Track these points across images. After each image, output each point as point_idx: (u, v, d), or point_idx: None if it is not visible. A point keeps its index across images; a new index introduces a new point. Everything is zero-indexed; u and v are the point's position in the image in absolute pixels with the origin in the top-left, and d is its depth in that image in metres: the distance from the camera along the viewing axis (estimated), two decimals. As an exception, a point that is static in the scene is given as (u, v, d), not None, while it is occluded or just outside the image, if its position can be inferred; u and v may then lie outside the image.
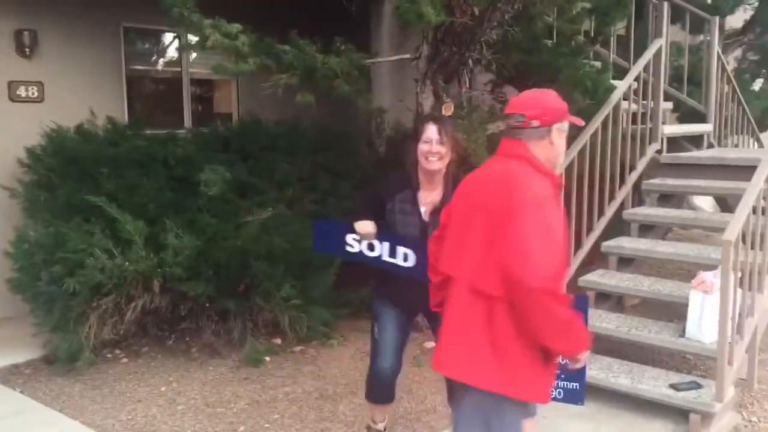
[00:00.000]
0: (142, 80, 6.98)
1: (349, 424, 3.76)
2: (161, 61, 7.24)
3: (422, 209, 3.17)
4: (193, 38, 4.76)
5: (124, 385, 4.39)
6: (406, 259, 3.16)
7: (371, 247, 3.23)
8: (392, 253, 3.18)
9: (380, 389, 3.45)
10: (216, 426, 3.84)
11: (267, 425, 3.85)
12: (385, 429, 3.60)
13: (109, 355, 4.82)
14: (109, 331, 4.56)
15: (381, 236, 3.22)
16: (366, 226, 3.19)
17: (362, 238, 3.22)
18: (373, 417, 3.58)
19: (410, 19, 4.09)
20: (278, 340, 4.98)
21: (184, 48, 6.65)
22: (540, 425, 3.76)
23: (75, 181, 4.83)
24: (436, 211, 3.09)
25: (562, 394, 3.82)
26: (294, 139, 5.77)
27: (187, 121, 6.85)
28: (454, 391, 2.55)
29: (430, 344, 4.64)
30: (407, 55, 5.31)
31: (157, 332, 4.99)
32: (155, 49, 7.21)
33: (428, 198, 3.18)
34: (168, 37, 7.13)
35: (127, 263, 4.40)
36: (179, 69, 6.92)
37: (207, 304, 4.74)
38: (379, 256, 3.22)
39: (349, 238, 3.27)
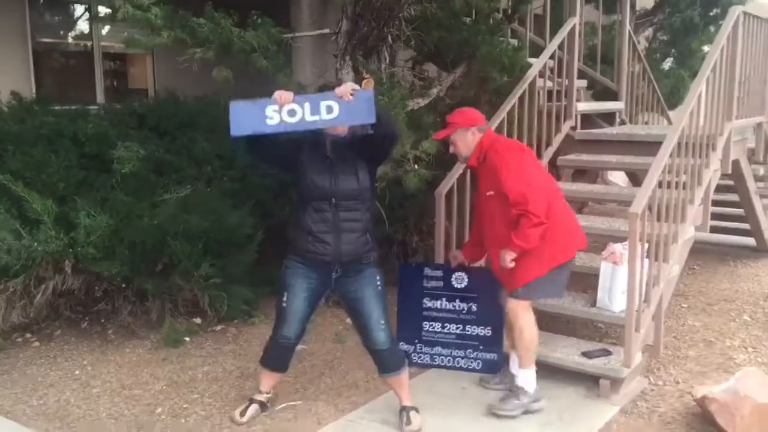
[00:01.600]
0: (50, 53, 6.67)
1: (270, 401, 3.74)
2: (71, 33, 6.94)
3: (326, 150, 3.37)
4: (103, 10, 4.58)
5: (35, 370, 4.24)
6: (330, 110, 3.18)
7: (292, 113, 3.19)
8: (315, 110, 3.19)
9: (278, 356, 3.54)
10: (133, 408, 3.76)
11: (186, 405, 3.80)
12: (267, 402, 3.65)
13: (20, 339, 4.65)
14: (18, 315, 4.38)
15: (299, 98, 3.21)
16: (285, 94, 3.20)
17: (282, 104, 3.17)
18: (261, 386, 3.64)
19: (328, -7, 4.04)
20: (198, 320, 4.90)
21: (94, 20, 6.38)
22: (460, 395, 3.87)
23: (-23, 159, 4.60)
24: (332, 145, 3.38)
25: (480, 365, 4.03)
26: (213, 116, 5.64)
27: (100, 96, 6.60)
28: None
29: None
30: (327, 30, 5.26)
31: (71, 314, 4.82)
32: (64, 20, 6.89)
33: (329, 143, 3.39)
34: (78, 8, 6.83)
35: (35, 244, 4.22)
36: (90, 42, 6.64)
37: (123, 285, 4.61)
38: (302, 119, 3.19)
39: (269, 110, 3.19)
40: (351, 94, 3.16)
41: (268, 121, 3.20)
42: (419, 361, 4.25)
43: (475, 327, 4.22)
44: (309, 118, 3.19)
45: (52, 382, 4.08)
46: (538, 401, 3.72)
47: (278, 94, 3.19)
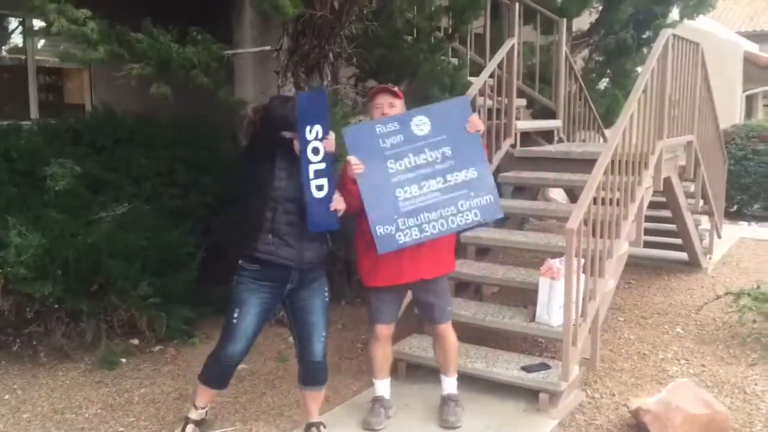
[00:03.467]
0: (-19, 67, 6.48)
1: (209, 423, 3.67)
2: (4, 47, 6.74)
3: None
4: (38, 23, 4.48)
5: (-39, 396, 4.07)
6: (317, 152, 3.20)
7: (316, 151, 3.19)
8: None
9: (220, 373, 3.46)
10: (65, 433, 3.65)
11: (121, 429, 3.70)
12: (203, 420, 3.58)
13: (-55, 364, 4.46)
14: (-57, 338, 4.21)
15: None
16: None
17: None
18: (196, 402, 3.55)
19: (267, 11, 4.06)
20: (136, 341, 4.79)
21: (28, 34, 6.22)
22: (401, 412, 3.87)
23: None
24: None
25: (479, 213, 3.54)
26: (152, 132, 5.56)
27: (34, 111, 6.42)
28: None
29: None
30: (268, 47, 5.25)
31: (0, 337, 4.64)
32: (-3, 33, 6.70)
33: None
34: (12, 21, 6.65)
35: (-38, 264, 4.08)
36: (24, 56, 6.46)
37: (56, 306, 4.47)
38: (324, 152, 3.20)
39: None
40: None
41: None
42: (408, 239, 3.46)
43: (456, 173, 3.50)
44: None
45: (-20, 407, 3.93)
46: None
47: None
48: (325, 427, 3.57)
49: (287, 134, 3.24)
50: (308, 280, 3.41)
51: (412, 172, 3.48)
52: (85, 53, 4.35)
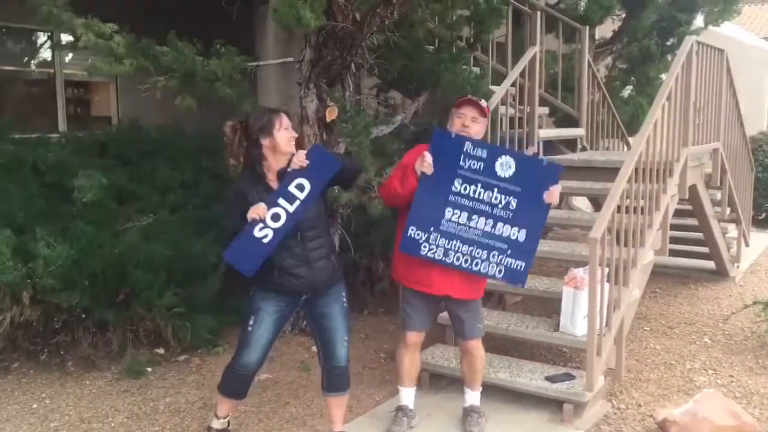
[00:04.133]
0: (11, 81, 6.62)
1: (230, 427, 3.69)
2: (33, 61, 6.89)
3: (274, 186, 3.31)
4: (66, 38, 4.56)
5: (-9, 405, 4.14)
6: (301, 188, 3.21)
7: (276, 217, 3.18)
8: (290, 198, 3.19)
9: (237, 382, 3.46)
10: (92, 442, 3.69)
11: (147, 438, 3.74)
12: (226, 429, 3.60)
13: (-25, 373, 4.54)
14: (-26, 347, 4.29)
15: (271, 201, 3.19)
16: (255, 209, 3.17)
17: (262, 218, 3.16)
18: (217, 411, 3.57)
19: (289, 23, 4.07)
20: (161, 350, 4.83)
21: (56, 48, 6.34)
22: (423, 421, 3.86)
23: (-66, 189, 4.53)
24: (279, 177, 3.31)
25: (503, 272, 3.52)
26: (176, 144, 5.65)
27: (62, 124, 6.55)
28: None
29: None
30: (291, 59, 5.29)
31: (29, 346, 4.70)
32: (26, 48, 6.85)
33: (274, 178, 3.33)
34: (41, 36, 6.79)
35: (-8, 275, 4.15)
36: (52, 70, 6.59)
37: (83, 316, 4.53)
38: (288, 214, 3.18)
39: (257, 232, 3.16)
40: (304, 159, 3.23)
41: (265, 240, 3.17)
42: (429, 255, 3.49)
43: (508, 227, 3.48)
44: (291, 209, 3.19)
45: (9, 416, 3.98)
46: None
47: (254, 213, 3.16)
48: None
49: (265, 142, 3.26)
50: (324, 288, 3.42)
51: (471, 202, 3.49)
52: (111, 67, 4.41)
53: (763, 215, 10.50)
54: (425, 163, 3.42)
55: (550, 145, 6.40)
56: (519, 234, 3.48)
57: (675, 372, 4.69)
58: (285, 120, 3.32)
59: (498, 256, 3.48)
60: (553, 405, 3.98)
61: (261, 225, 3.16)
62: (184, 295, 4.70)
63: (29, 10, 4.33)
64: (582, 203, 8.78)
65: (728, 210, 6.70)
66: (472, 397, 3.82)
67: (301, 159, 3.23)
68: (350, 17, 4.67)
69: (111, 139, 5.62)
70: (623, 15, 8.59)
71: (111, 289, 4.51)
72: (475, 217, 3.47)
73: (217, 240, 5.14)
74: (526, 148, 5.79)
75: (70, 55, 6.73)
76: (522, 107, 5.79)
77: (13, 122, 5.63)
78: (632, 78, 8.76)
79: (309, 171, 3.22)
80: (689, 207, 6.19)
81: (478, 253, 3.48)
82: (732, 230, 7.32)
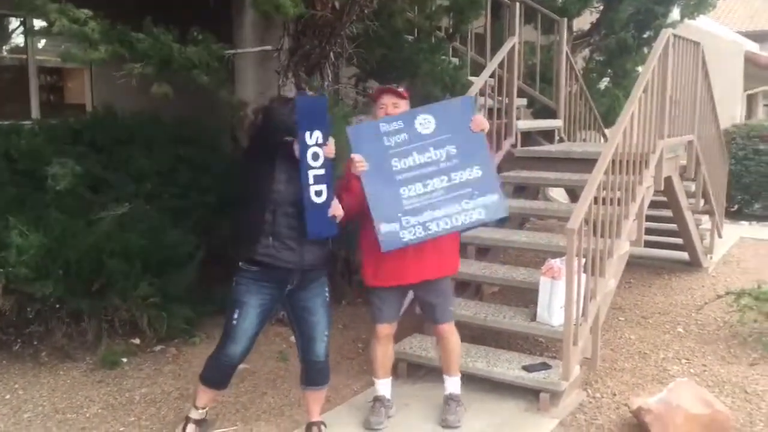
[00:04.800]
0: (-18, 67, 6.48)
1: (210, 423, 3.67)
2: (5, 46, 6.75)
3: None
4: (39, 23, 4.48)
5: (-38, 396, 4.07)
6: (316, 157, 3.19)
7: (316, 156, 3.18)
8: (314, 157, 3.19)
9: (220, 373, 3.45)
10: (66, 433, 3.65)
11: (122, 429, 3.70)
12: (204, 419, 3.58)
13: (-54, 364, 4.47)
14: (-56, 338, 4.21)
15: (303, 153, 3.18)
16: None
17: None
18: (197, 402, 3.54)
19: (268, 11, 4.05)
20: (137, 340, 4.78)
21: (29, 33, 6.22)
22: (401, 411, 3.87)
23: None
24: None
25: (484, 212, 3.52)
26: (152, 132, 5.56)
27: (35, 111, 6.43)
28: None
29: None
30: (269, 47, 5.25)
31: (2, 336, 4.63)
32: (-3, 33, 6.71)
33: None
34: (13, 21, 6.65)
35: (-37, 264, 4.08)
36: (25, 56, 6.47)
37: (57, 306, 4.47)
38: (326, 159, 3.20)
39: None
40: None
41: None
42: (412, 237, 3.46)
43: (461, 171, 3.50)
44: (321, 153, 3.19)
45: (-19, 407, 3.93)
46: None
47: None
48: (326, 426, 3.58)
49: (288, 139, 3.24)
50: (308, 281, 3.40)
51: (417, 171, 3.48)
52: (86, 53, 4.34)
53: (736, 207, 10.67)
54: (357, 163, 3.41)
55: (528, 136, 6.43)
56: (474, 172, 3.49)
57: (649, 361, 4.75)
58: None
59: (469, 201, 3.48)
60: (530, 394, 4.01)
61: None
62: (159, 285, 4.66)
63: (1, -6, 4.25)
64: (558, 194, 8.85)
65: (702, 201, 6.79)
66: (451, 384, 3.83)
67: (331, 150, 3.22)
68: (329, 5, 4.65)
69: (85, 126, 5.51)
70: (601, 7, 8.65)
71: (85, 278, 4.45)
72: (428, 181, 3.48)
73: (193, 230, 5.11)
74: (504, 139, 5.80)
75: (44, 41, 6.60)
76: (500, 98, 5.80)
77: (-16, 109, 5.53)
78: (609, 70, 8.83)
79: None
80: (664, 198, 6.26)
81: (451, 209, 3.47)
82: (705, 222, 7.43)
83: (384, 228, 3.42)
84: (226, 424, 3.76)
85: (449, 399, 3.81)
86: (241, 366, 3.64)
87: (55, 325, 4.53)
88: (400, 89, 3.68)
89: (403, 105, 3.63)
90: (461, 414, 3.76)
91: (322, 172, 3.19)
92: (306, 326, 3.45)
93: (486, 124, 3.60)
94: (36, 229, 4.36)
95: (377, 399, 3.81)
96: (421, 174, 3.48)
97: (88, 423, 3.76)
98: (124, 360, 4.57)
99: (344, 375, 4.43)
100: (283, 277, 3.34)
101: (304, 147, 3.17)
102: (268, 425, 3.75)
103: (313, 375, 3.49)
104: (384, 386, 3.83)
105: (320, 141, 3.17)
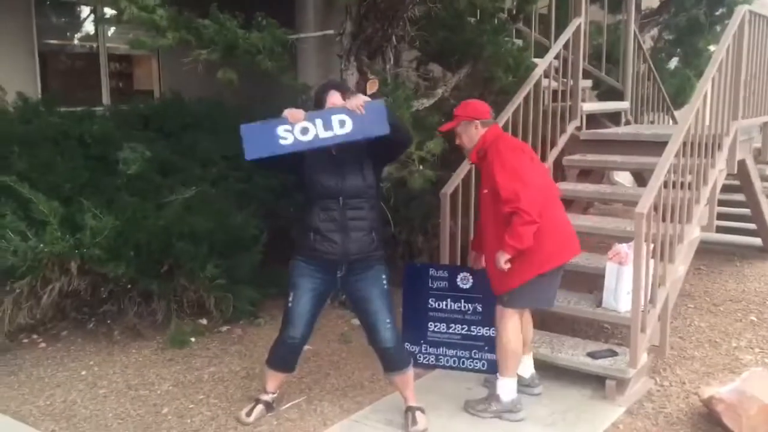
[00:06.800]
0: (56, 55, 6.71)
1: (276, 401, 3.74)
2: (77, 35, 6.97)
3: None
4: (109, 11, 4.59)
5: (42, 371, 4.25)
6: (342, 125, 3.20)
7: (305, 131, 3.20)
8: (328, 125, 3.20)
9: (284, 357, 3.53)
10: (139, 409, 3.77)
11: (192, 406, 3.80)
12: (273, 402, 3.66)
13: (26, 340, 4.66)
14: (24, 316, 4.39)
15: (311, 115, 3.22)
16: (295, 111, 3.22)
17: (293, 122, 3.18)
18: (266, 386, 3.64)
19: (332, -5, 4.04)
20: (204, 321, 4.91)
21: (99, 22, 6.40)
22: (465, 395, 3.86)
23: (-17, 161, 4.63)
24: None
25: (485, 365, 4.11)
26: (217, 117, 5.67)
27: (106, 97, 6.63)
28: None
29: (357, 321, 4.67)
30: (331, 31, 5.26)
31: (77, 315, 4.84)
32: (70, 22, 6.93)
33: None
34: (84, 10, 6.86)
35: (41, 245, 4.24)
36: (96, 44, 6.67)
37: (129, 286, 4.62)
38: (315, 136, 3.20)
39: (281, 130, 3.20)
40: (362, 107, 3.19)
41: (282, 142, 3.20)
42: (424, 362, 4.24)
43: (480, 327, 4.21)
44: (322, 134, 3.21)
45: (59, 382, 4.10)
46: (515, 413, 3.61)
47: (288, 113, 3.20)
48: (423, 412, 3.54)
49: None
50: (359, 270, 3.42)
51: (446, 314, 4.27)
52: (154, 40, 4.44)
53: (813, 191, 10.21)
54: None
55: (593, 119, 6.27)
56: (491, 331, 4.03)
57: (720, 350, 4.61)
58: (332, 97, 3.35)
59: (478, 352, 4.21)
60: (595, 381, 3.95)
61: (288, 127, 3.19)
62: (225, 267, 4.75)
63: (73, -16, 4.37)
64: (624, 178, 8.63)
65: (777, 185, 6.53)
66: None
67: (355, 104, 3.20)
68: (392, -12, 4.61)
69: (154, 111, 5.66)
70: (671, -16, 8.35)
71: (155, 260, 4.58)
72: (452, 326, 4.28)
73: (256, 213, 5.19)
74: (569, 122, 5.68)
75: (113, 29, 6.79)
76: (565, 80, 5.67)
77: (59, 96, 5.72)
78: (679, 50, 8.55)
79: (359, 117, 3.20)
80: (737, 182, 6.04)
81: (462, 354, 4.26)
82: (780, 206, 7.13)
83: (408, 346, 4.06)
84: (292, 402, 3.82)
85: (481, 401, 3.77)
86: (305, 347, 3.69)
87: (127, 305, 4.69)
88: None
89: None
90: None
91: (311, 131, 3.20)
92: (366, 315, 3.48)
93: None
94: (108, 211, 4.50)
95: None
96: (449, 318, 4.26)
97: (160, 399, 3.88)
98: (192, 340, 4.69)
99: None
100: (330, 266, 3.39)
101: (333, 112, 3.23)
102: (331, 405, 3.80)
103: (386, 361, 3.51)
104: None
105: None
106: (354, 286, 3.46)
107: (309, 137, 3.20)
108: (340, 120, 3.20)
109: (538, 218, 3.37)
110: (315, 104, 3.41)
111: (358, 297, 3.47)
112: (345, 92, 3.43)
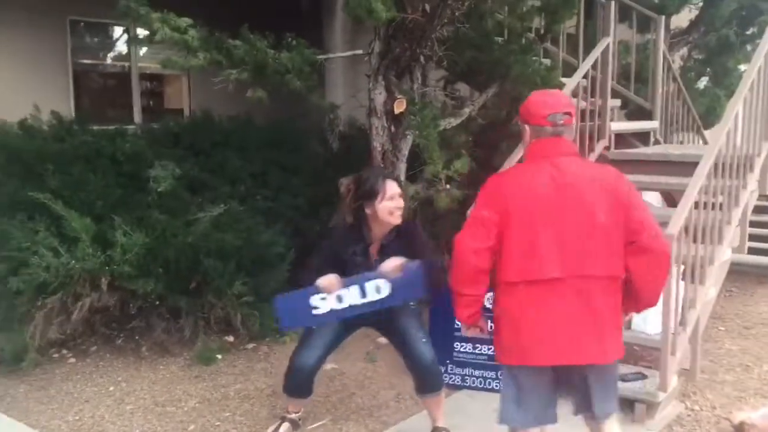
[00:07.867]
0: (89, 74, 6.86)
1: (302, 420, 3.74)
2: (110, 55, 7.11)
3: (373, 257, 3.30)
4: (141, 32, 4.68)
5: (71, 386, 4.30)
6: (378, 290, 3.13)
7: (340, 299, 3.14)
8: (363, 293, 3.14)
9: (295, 383, 3.44)
10: (165, 425, 3.79)
11: (218, 423, 3.82)
12: (299, 420, 3.65)
13: (56, 355, 4.72)
14: (55, 331, 4.46)
15: (347, 282, 3.15)
16: (329, 280, 3.14)
17: (328, 293, 3.13)
18: (289, 407, 3.62)
19: (360, 15, 4.08)
20: (231, 338, 4.94)
21: (132, 42, 6.53)
22: (491, 416, 3.81)
23: (19, 178, 4.72)
24: (381, 249, 3.30)
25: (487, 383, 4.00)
26: (246, 135, 5.74)
27: (137, 116, 6.75)
28: (567, 376, 2.68)
29: (383, 339, 4.66)
30: (359, 51, 5.31)
31: (106, 331, 4.89)
32: (103, 42, 7.08)
33: (377, 246, 3.33)
34: (116, 30, 7.00)
35: (73, 261, 4.30)
36: (128, 63, 6.80)
37: (157, 302, 4.67)
38: (351, 304, 3.14)
39: (315, 300, 3.13)
40: (400, 269, 3.12)
41: (316, 312, 3.15)
42: (450, 382, 4.22)
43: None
44: (358, 301, 3.14)
45: (88, 398, 4.14)
46: None
47: (323, 282, 3.12)
48: None
49: (368, 209, 3.25)
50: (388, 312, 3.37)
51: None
52: (186, 60, 4.51)
53: None
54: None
55: (621, 139, 6.23)
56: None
57: (752, 374, 4.52)
58: (390, 188, 3.25)
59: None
60: (624, 404, 3.87)
61: (322, 296, 3.13)
62: (252, 285, 4.78)
63: (107, 5, 4.46)
64: (653, 199, 8.53)
65: (811, 207, 6.41)
66: None
67: (390, 268, 3.12)
68: (420, 9, 4.64)
69: (184, 130, 5.74)
70: (700, 3, 8.30)
71: (184, 277, 4.63)
72: (477, 345, 4.26)
73: (283, 231, 5.23)
74: (597, 141, 5.65)
75: (144, 48, 6.92)
76: (593, 99, 5.65)
77: (92, 114, 5.83)
78: (708, 69, 8.47)
79: (396, 281, 3.12)
80: (769, 203, 5.95)
81: (488, 374, 4.22)
82: (814, 228, 6.99)
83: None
84: (317, 422, 3.81)
85: None
86: (330, 366, 3.69)
87: (155, 321, 4.74)
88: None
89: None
90: None
91: (345, 299, 3.14)
92: (396, 336, 3.45)
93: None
94: (139, 228, 4.57)
95: None
96: (475, 338, 3.87)
97: (186, 416, 3.90)
98: (219, 357, 4.72)
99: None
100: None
101: (369, 278, 3.15)
102: (357, 425, 3.79)
103: (422, 381, 3.40)
104: None
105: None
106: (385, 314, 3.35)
107: (344, 304, 3.14)
108: (375, 286, 3.13)
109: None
110: (368, 194, 3.26)
111: (386, 319, 3.40)
112: (396, 179, 3.42)
